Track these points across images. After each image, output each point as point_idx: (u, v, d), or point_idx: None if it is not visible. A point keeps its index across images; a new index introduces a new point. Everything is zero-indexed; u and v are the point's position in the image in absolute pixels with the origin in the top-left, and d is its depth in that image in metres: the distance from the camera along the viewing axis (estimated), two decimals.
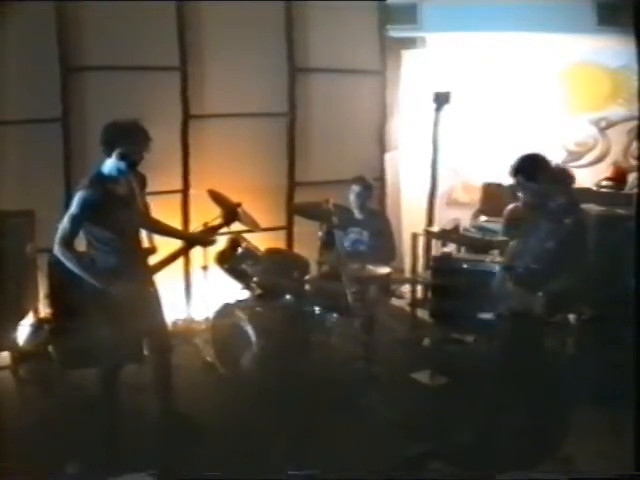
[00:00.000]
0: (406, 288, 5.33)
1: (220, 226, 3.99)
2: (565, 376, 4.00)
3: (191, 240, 3.93)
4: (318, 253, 4.84)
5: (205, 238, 3.99)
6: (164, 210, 4.63)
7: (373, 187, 5.15)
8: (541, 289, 3.48)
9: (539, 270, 3.54)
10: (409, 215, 6.13)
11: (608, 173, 5.81)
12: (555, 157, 5.99)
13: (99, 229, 3.33)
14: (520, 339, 3.56)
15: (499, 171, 5.79)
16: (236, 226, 4.33)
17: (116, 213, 3.32)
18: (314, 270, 4.85)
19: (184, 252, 3.86)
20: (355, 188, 5.00)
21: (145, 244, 3.79)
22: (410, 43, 6.04)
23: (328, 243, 4.70)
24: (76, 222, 3.25)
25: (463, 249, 5.20)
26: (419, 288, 5.44)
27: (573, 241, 3.41)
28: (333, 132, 5.83)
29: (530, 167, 3.49)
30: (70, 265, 3.25)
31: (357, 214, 5.05)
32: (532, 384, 3.47)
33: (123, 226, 3.38)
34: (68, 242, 3.25)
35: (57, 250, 3.25)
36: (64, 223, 3.25)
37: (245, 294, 4.73)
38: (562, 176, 3.57)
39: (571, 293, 3.45)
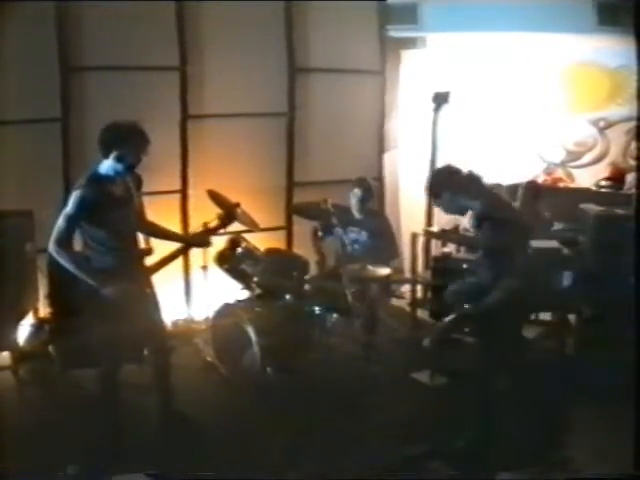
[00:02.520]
0: (406, 288, 5.33)
1: (217, 228, 3.98)
2: (565, 376, 4.00)
3: (185, 242, 3.90)
4: (314, 250, 4.86)
5: (200, 240, 3.96)
6: (163, 210, 4.64)
7: (373, 188, 5.12)
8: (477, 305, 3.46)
9: (472, 284, 3.54)
10: (408, 215, 6.12)
11: (607, 173, 5.82)
12: (554, 156, 6.08)
13: (95, 229, 3.32)
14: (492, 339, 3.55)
15: (499, 171, 5.82)
16: (236, 226, 4.33)
17: (112, 213, 3.31)
18: (314, 270, 4.85)
19: (181, 253, 3.85)
20: (357, 191, 4.98)
21: (141, 245, 3.77)
22: (410, 43, 6.05)
23: (324, 240, 4.70)
24: (72, 221, 3.25)
25: (463, 249, 5.21)
26: (419, 288, 5.44)
27: (496, 244, 3.36)
28: (333, 132, 5.83)
29: (435, 183, 3.52)
30: (65, 264, 3.24)
31: (356, 214, 5.04)
32: (532, 384, 3.48)
33: (119, 226, 3.38)
34: (63, 241, 3.24)
35: (52, 249, 3.25)
36: (59, 222, 3.25)
37: (245, 294, 4.73)
38: (470, 180, 3.54)
39: (514, 302, 3.39)
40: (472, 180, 3.52)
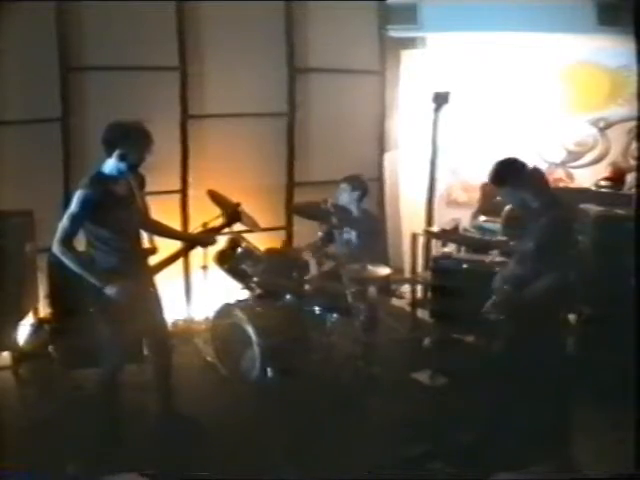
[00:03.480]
0: (406, 288, 5.33)
1: (222, 226, 3.98)
2: (565, 376, 4.00)
3: (192, 241, 3.92)
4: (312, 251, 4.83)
5: (206, 238, 3.97)
6: (163, 210, 4.63)
7: (363, 187, 4.92)
8: (522, 292, 3.50)
9: (520, 274, 3.58)
10: (408, 215, 6.13)
11: (607, 173, 5.81)
12: (554, 156, 6.07)
13: (99, 228, 3.32)
14: (510, 338, 3.58)
15: None
16: (236, 226, 4.33)
17: (116, 213, 3.31)
18: (314, 270, 4.84)
19: (185, 252, 3.85)
20: (344, 187, 4.87)
21: (146, 244, 3.78)
22: (410, 43, 6.05)
23: (328, 243, 4.69)
24: (76, 221, 3.25)
25: (463, 249, 5.21)
26: (419, 288, 5.43)
27: (549, 240, 3.42)
28: (333, 132, 5.83)
29: (499, 174, 3.56)
30: (69, 264, 3.24)
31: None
32: (532, 384, 3.47)
33: (123, 226, 3.38)
34: (67, 241, 3.24)
35: (56, 249, 3.24)
36: (63, 222, 3.24)
37: (245, 294, 4.73)
38: (534, 176, 3.59)
39: (558, 294, 3.43)
40: (536, 176, 3.58)
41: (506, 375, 3.51)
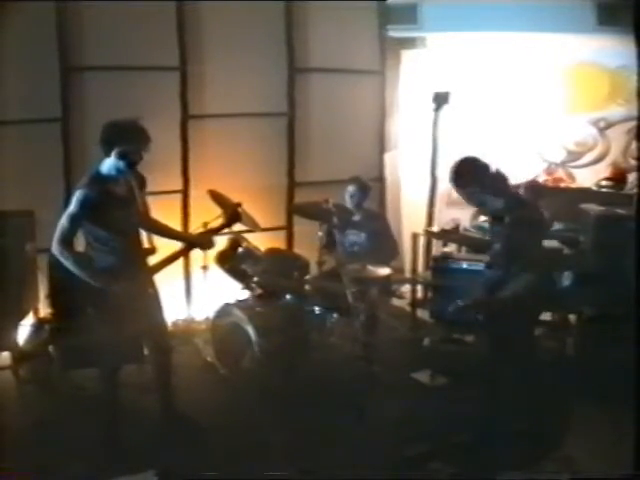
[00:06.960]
0: (406, 288, 5.33)
1: (222, 227, 3.96)
2: (565, 376, 4.00)
3: (190, 242, 3.89)
4: (318, 253, 4.83)
5: (204, 241, 3.93)
6: (164, 210, 4.63)
7: (369, 188, 5.10)
8: (494, 294, 3.48)
9: (492, 276, 3.57)
10: (409, 215, 6.12)
11: (607, 173, 5.81)
12: (555, 156, 6.08)
13: (97, 229, 3.32)
14: (492, 339, 3.59)
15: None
16: (236, 226, 4.32)
17: (115, 213, 3.31)
18: (314, 270, 4.85)
19: (184, 253, 3.83)
20: (350, 189, 4.99)
21: (145, 244, 3.77)
22: (410, 43, 6.04)
23: (329, 243, 4.69)
24: (75, 221, 3.24)
25: (463, 249, 5.20)
26: (419, 288, 5.43)
27: (515, 241, 3.38)
28: (333, 132, 5.83)
29: (458, 173, 3.52)
30: (68, 264, 3.23)
31: (354, 214, 5.03)
32: (532, 384, 3.48)
33: (122, 226, 3.37)
34: (66, 241, 3.24)
35: (55, 249, 3.24)
36: (62, 222, 3.24)
37: (245, 294, 4.73)
38: (496, 177, 3.55)
39: (532, 294, 3.41)
40: (498, 177, 3.53)
41: (495, 375, 3.52)
